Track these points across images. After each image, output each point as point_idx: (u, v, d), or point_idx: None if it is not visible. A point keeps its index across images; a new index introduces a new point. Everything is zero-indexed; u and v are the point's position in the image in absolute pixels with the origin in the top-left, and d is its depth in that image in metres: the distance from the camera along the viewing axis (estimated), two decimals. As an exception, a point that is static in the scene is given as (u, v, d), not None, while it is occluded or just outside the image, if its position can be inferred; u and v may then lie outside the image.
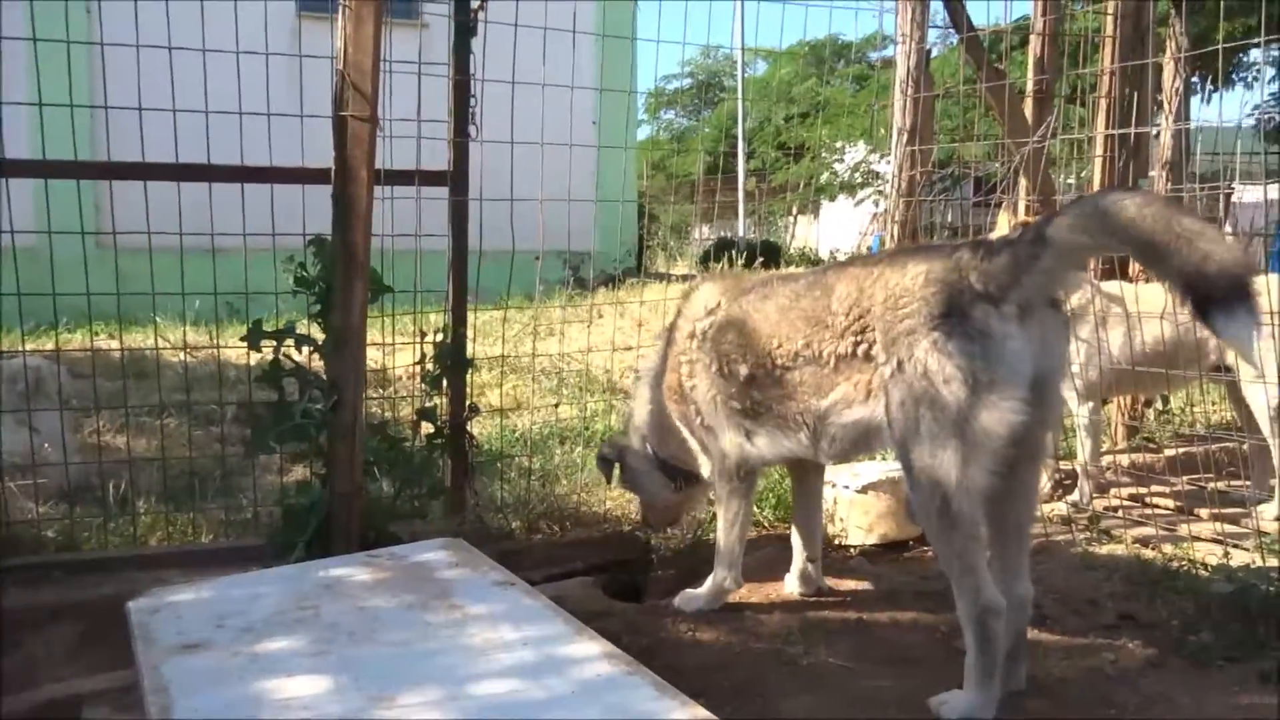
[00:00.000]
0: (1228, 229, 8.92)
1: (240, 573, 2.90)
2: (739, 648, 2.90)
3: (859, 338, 2.54)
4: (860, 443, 2.70)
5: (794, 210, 23.80)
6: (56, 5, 3.07)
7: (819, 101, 21.16)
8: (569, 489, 4.15)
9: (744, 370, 2.84)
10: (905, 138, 4.23)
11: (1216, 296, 2.06)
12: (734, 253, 11.52)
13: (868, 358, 2.52)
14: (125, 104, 3.09)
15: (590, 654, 2.21)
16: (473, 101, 3.31)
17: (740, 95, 20.38)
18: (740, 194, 18.60)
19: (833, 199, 21.91)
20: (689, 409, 3.09)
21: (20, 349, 3.71)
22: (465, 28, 3.26)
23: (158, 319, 5.09)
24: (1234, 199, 8.01)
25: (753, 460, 3.02)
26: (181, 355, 5.19)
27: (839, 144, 20.93)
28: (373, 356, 3.74)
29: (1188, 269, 2.09)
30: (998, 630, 2.39)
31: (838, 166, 21.68)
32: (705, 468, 3.22)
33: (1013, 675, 2.54)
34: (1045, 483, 4.35)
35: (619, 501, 4.10)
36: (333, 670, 2.14)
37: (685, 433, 3.19)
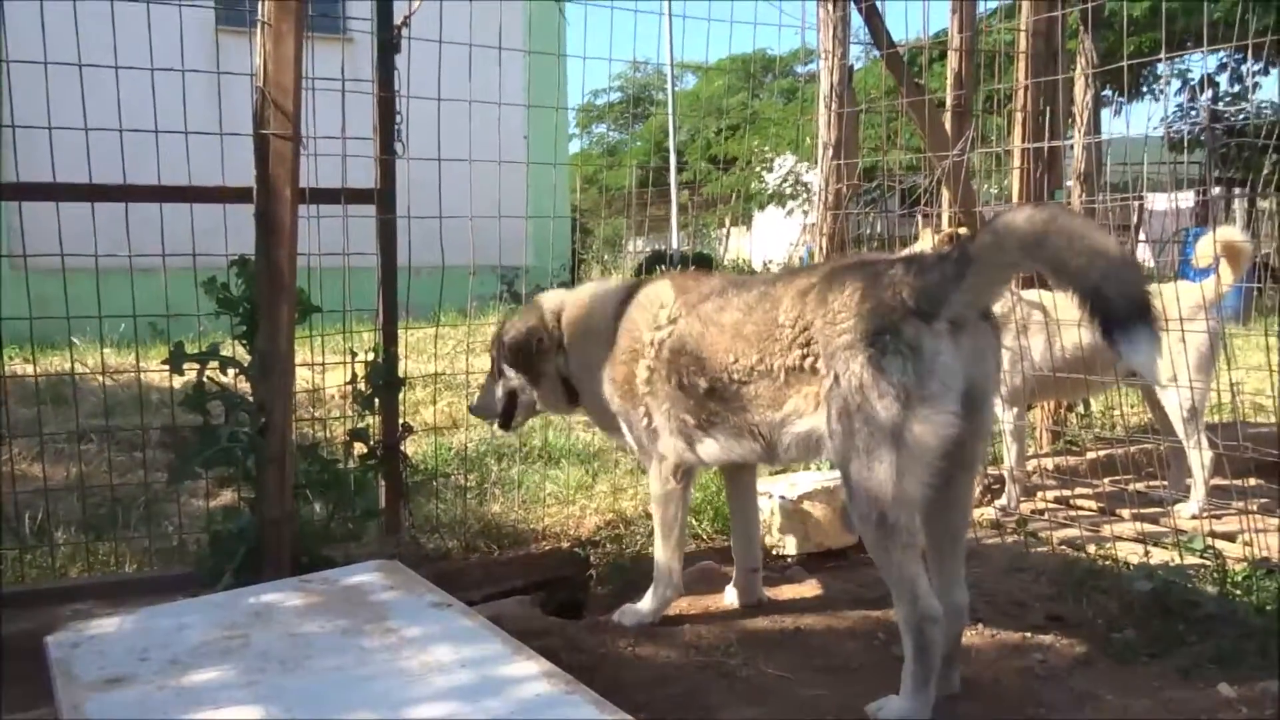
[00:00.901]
0: (1141, 236, 9.24)
1: (166, 602, 2.83)
2: (679, 661, 2.90)
3: (804, 350, 2.57)
4: (812, 450, 2.74)
5: (726, 222, 24.01)
6: None
7: (748, 114, 21.41)
8: (506, 507, 4.12)
9: (703, 384, 2.82)
10: (830, 151, 4.30)
11: (1117, 318, 2.13)
12: (668, 265, 11.56)
13: (813, 370, 2.55)
14: (36, 122, 3.00)
15: (529, 673, 2.20)
16: (398, 118, 3.28)
17: (671, 108, 20.51)
18: (673, 206, 18.70)
19: (762, 208, 22.15)
20: (636, 410, 3.04)
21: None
22: (388, 44, 3.23)
23: (76, 341, 4.95)
24: (1147, 207, 8.30)
25: (693, 464, 3.05)
26: (104, 380, 5.05)
27: (768, 154, 21.19)
28: (303, 376, 3.68)
29: (1088, 289, 2.16)
30: (935, 637, 2.43)
31: (767, 177, 21.93)
32: (626, 439, 3.22)
33: (947, 679, 2.59)
34: (975, 488, 4.44)
35: (557, 518, 4.09)
36: (264, 700, 2.09)
37: (620, 419, 3.15)
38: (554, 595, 3.65)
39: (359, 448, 3.43)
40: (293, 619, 2.54)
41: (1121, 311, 2.13)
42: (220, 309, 3.06)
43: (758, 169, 21.86)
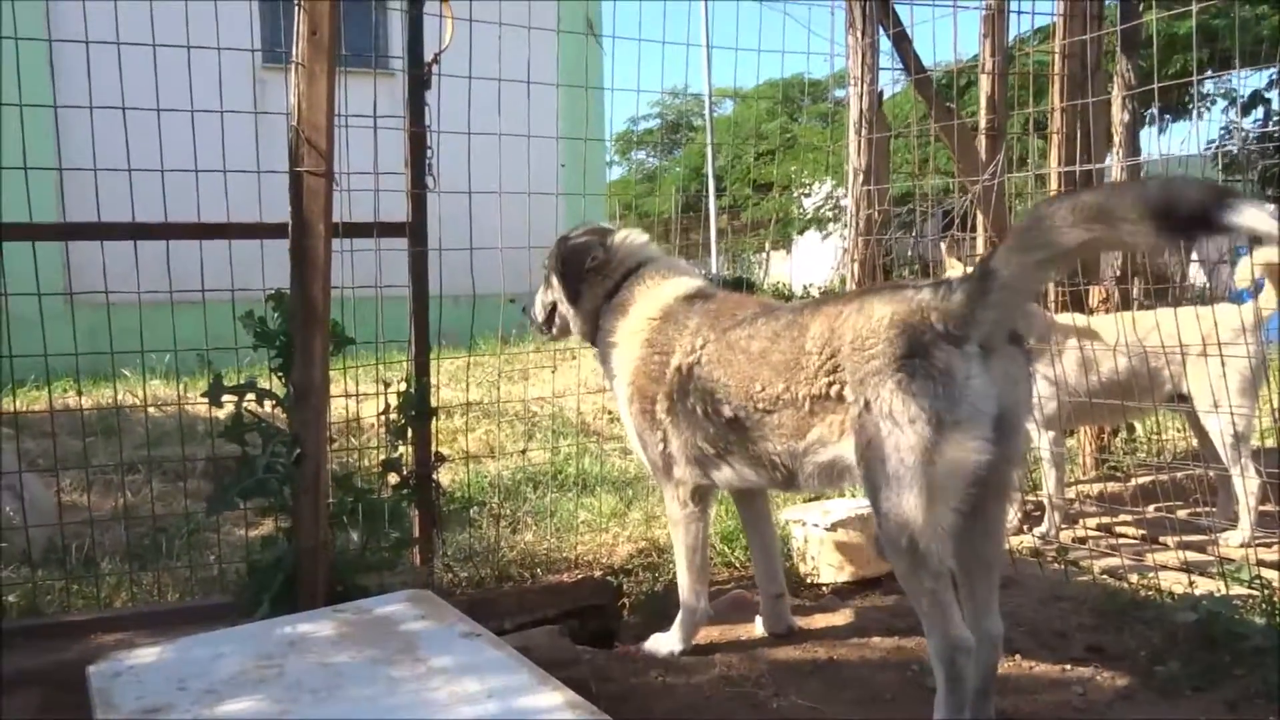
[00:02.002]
0: (1193, 256, 9.08)
1: (206, 631, 2.87)
2: (709, 692, 2.88)
3: (831, 378, 2.54)
4: (836, 479, 2.71)
5: (767, 246, 23.99)
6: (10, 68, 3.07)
7: (786, 139, 21.42)
8: (539, 535, 4.14)
9: (728, 412, 2.79)
10: (861, 178, 4.30)
11: (1209, 202, 1.97)
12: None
13: (839, 398, 2.53)
14: (86, 164, 3.09)
15: (553, 704, 2.20)
16: (429, 153, 3.34)
17: (709, 134, 20.60)
18: (712, 231, 18.73)
19: (801, 233, 22.10)
20: (655, 434, 3.01)
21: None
22: (419, 81, 3.29)
23: (127, 374, 5.06)
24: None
25: (709, 488, 3.05)
26: (151, 411, 5.17)
27: (806, 179, 21.17)
28: (341, 406, 3.73)
29: (1155, 206, 2.02)
30: (967, 667, 2.40)
31: (806, 202, 21.90)
32: (639, 453, 3.19)
33: (982, 711, 2.54)
34: (1014, 515, 4.38)
35: (590, 546, 4.09)
36: (295, 730, 2.12)
37: (634, 432, 3.12)
38: (586, 624, 3.66)
39: (392, 477, 3.46)
40: (325, 648, 2.56)
41: (1203, 196, 1.98)
42: (257, 342, 3.13)
43: (795, 194, 21.84)
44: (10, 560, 3.57)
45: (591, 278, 3.20)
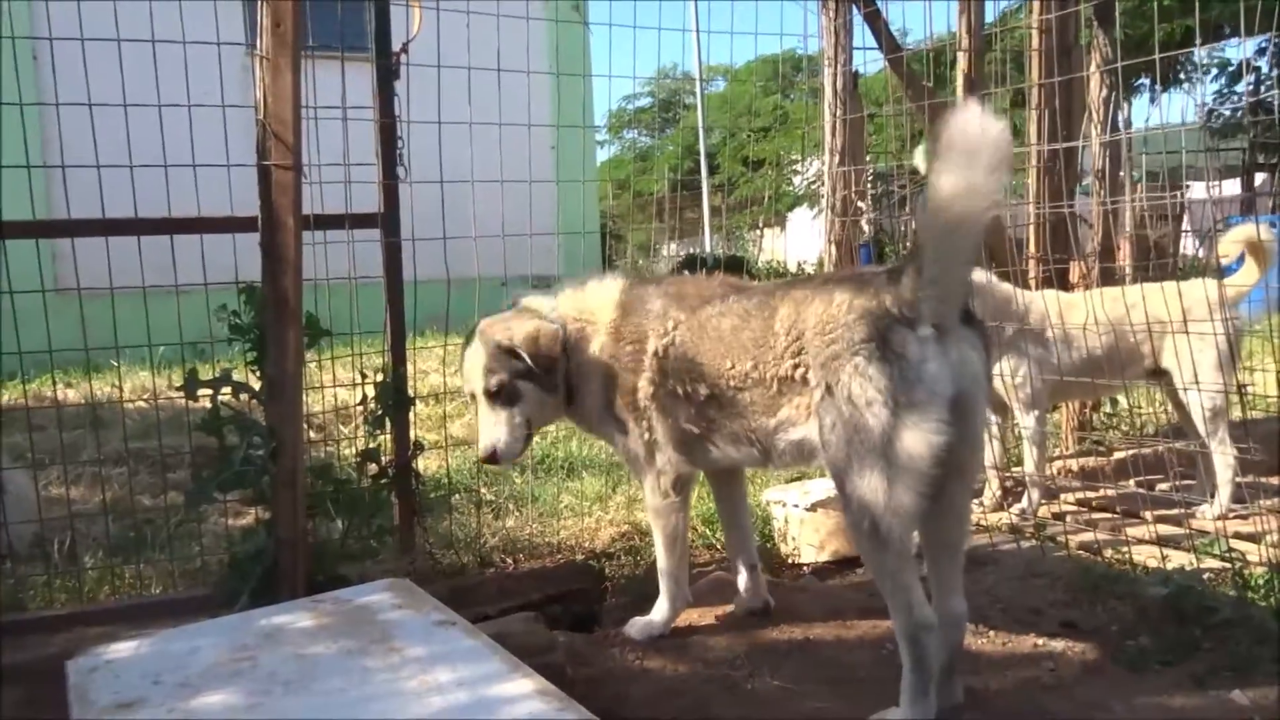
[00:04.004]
0: (1185, 226, 9.07)
1: (187, 624, 2.89)
2: (686, 674, 2.91)
3: (796, 360, 2.60)
4: (806, 457, 2.75)
5: (760, 223, 23.94)
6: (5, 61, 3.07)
7: (780, 115, 21.34)
8: (521, 520, 4.16)
9: (704, 391, 2.81)
10: (836, 158, 4.29)
11: None
12: (701, 268, 11.55)
13: (804, 380, 2.58)
14: (73, 160, 3.09)
15: (523, 692, 2.22)
16: (400, 143, 3.34)
17: (700, 113, 20.53)
18: (705, 209, 18.70)
19: (789, 210, 22.05)
20: (639, 423, 3.00)
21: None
22: (387, 71, 3.29)
23: (115, 365, 5.06)
24: (1186, 196, 8.16)
25: (690, 474, 3.08)
26: (139, 403, 5.18)
27: (794, 156, 21.11)
28: (319, 399, 3.75)
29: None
30: (931, 646, 2.44)
31: (796, 179, 21.85)
32: (622, 449, 3.13)
33: (949, 690, 2.57)
34: (994, 492, 4.40)
35: (573, 531, 4.12)
36: (266, 722, 2.14)
37: (615, 430, 3.09)
38: (569, 609, 3.68)
39: (372, 467, 3.48)
40: (301, 640, 2.59)
41: None
42: (231, 335, 3.13)
43: (786, 171, 21.79)
44: (-5, 556, 3.59)
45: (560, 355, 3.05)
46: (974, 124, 2.20)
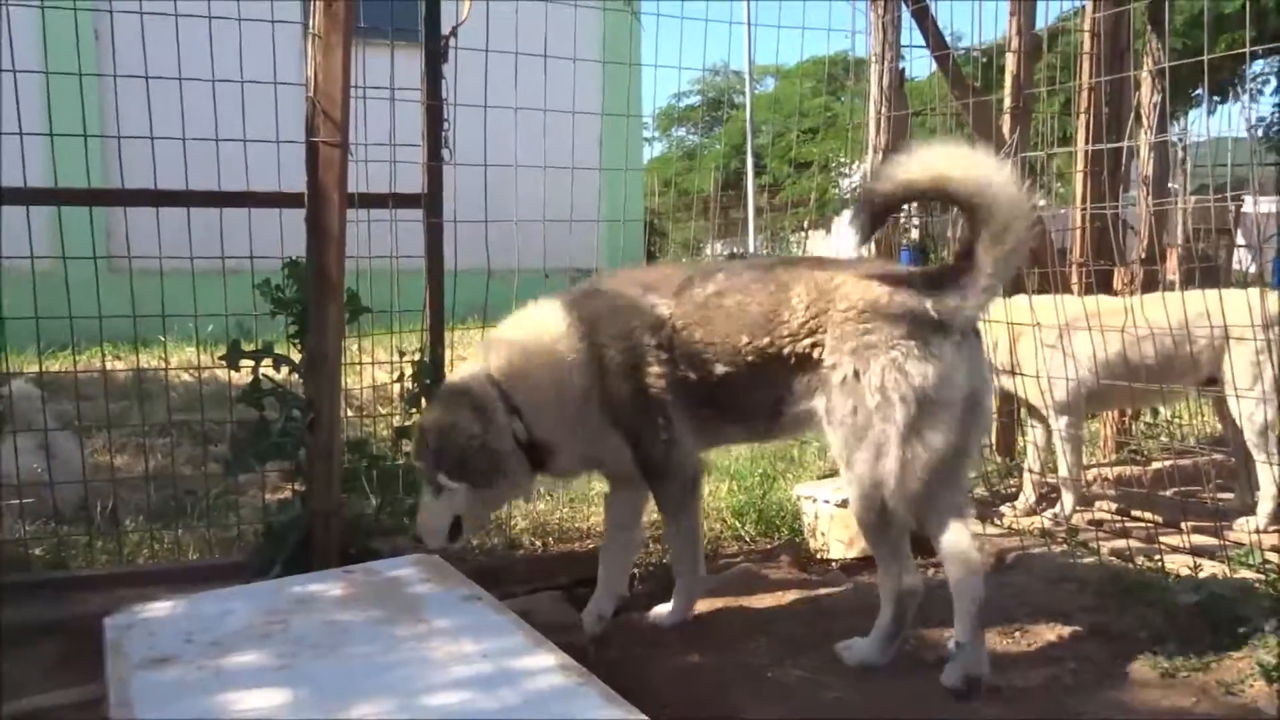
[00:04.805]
0: (1239, 239, 8.91)
1: (220, 588, 2.96)
2: (707, 660, 2.93)
3: (812, 338, 2.69)
4: (802, 429, 2.98)
5: (805, 225, 23.82)
6: (67, 35, 3.15)
7: (830, 117, 21.21)
8: (553, 505, 4.19)
9: (721, 369, 2.80)
10: (880, 155, 4.28)
11: None
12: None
13: (814, 357, 2.69)
14: (130, 131, 3.17)
15: (545, 665, 2.25)
16: (445, 125, 3.39)
17: (749, 113, 20.45)
18: (749, 209, 18.64)
19: (837, 213, 21.92)
20: (654, 422, 2.87)
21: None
22: (435, 54, 3.34)
23: (164, 339, 5.17)
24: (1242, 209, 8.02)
25: (700, 471, 3.10)
26: (184, 376, 5.30)
27: (842, 159, 20.97)
28: (355, 377, 3.81)
29: None
30: (911, 608, 2.78)
31: (844, 182, 21.70)
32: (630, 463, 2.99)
33: (977, 659, 2.67)
34: (1029, 496, 4.36)
35: (603, 517, 4.13)
36: (294, 683, 2.18)
37: (624, 442, 2.94)
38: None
39: (406, 444, 3.53)
40: (331, 607, 2.64)
41: None
42: (274, 309, 3.20)
43: (832, 173, 21.67)
44: (38, 515, 3.69)
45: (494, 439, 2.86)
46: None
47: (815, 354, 2.68)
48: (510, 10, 3.69)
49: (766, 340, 2.73)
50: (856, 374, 2.58)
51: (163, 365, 3.90)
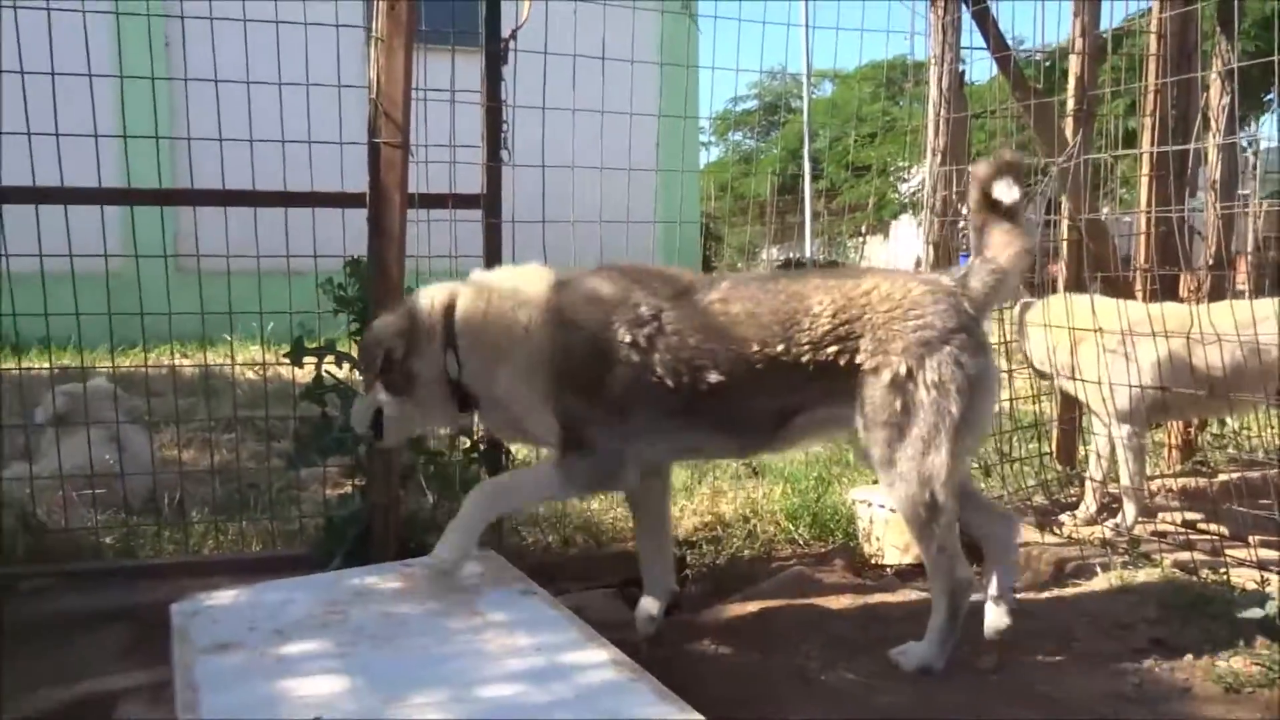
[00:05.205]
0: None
1: (284, 578, 3.03)
2: (759, 662, 2.93)
3: (839, 345, 2.70)
4: (800, 441, 3.04)
5: (863, 230, 23.63)
6: (139, 40, 3.26)
7: (888, 121, 21.03)
8: (607, 504, 4.22)
9: (714, 377, 2.71)
10: (938, 158, 4.24)
11: None
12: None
13: (840, 364, 2.69)
14: (200, 133, 3.28)
15: (598, 660, 2.28)
16: (504, 127, 3.43)
17: (806, 117, 20.36)
18: (807, 214, 18.54)
19: (894, 217, 21.70)
20: (598, 412, 2.76)
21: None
22: (495, 56, 3.38)
23: (231, 338, 5.32)
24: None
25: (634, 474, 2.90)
26: (249, 374, 5.43)
27: (903, 163, 20.77)
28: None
29: None
30: (965, 602, 2.77)
31: (902, 186, 21.49)
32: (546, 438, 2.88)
33: (1007, 594, 2.90)
34: (1091, 505, 4.28)
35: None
36: (352, 671, 2.24)
37: (548, 422, 2.81)
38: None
39: (463, 442, 3.58)
40: (389, 599, 2.69)
41: None
42: (336, 307, 3.27)
43: (891, 178, 21.47)
44: (109, 505, 3.81)
45: (417, 358, 2.83)
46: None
47: (842, 360, 2.68)
48: (569, 12, 3.74)
49: (782, 348, 2.69)
50: (909, 371, 2.61)
51: (228, 362, 3.99)
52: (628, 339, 2.72)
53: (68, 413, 3.96)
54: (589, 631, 2.44)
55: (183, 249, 3.86)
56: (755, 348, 2.72)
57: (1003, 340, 4.34)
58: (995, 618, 2.90)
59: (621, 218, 4.01)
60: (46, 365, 4.17)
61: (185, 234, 3.36)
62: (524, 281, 2.87)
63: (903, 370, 2.62)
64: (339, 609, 2.62)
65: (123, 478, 3.62)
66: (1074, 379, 4.11)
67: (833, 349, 2.69)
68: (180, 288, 3.34)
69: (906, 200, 21.34)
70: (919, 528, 2.72)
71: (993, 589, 2.91)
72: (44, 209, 3.16)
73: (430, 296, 2.86)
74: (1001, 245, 2.74)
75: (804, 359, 2.70)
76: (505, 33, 3.39)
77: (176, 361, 4.09)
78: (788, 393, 2.75)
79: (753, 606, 3.29)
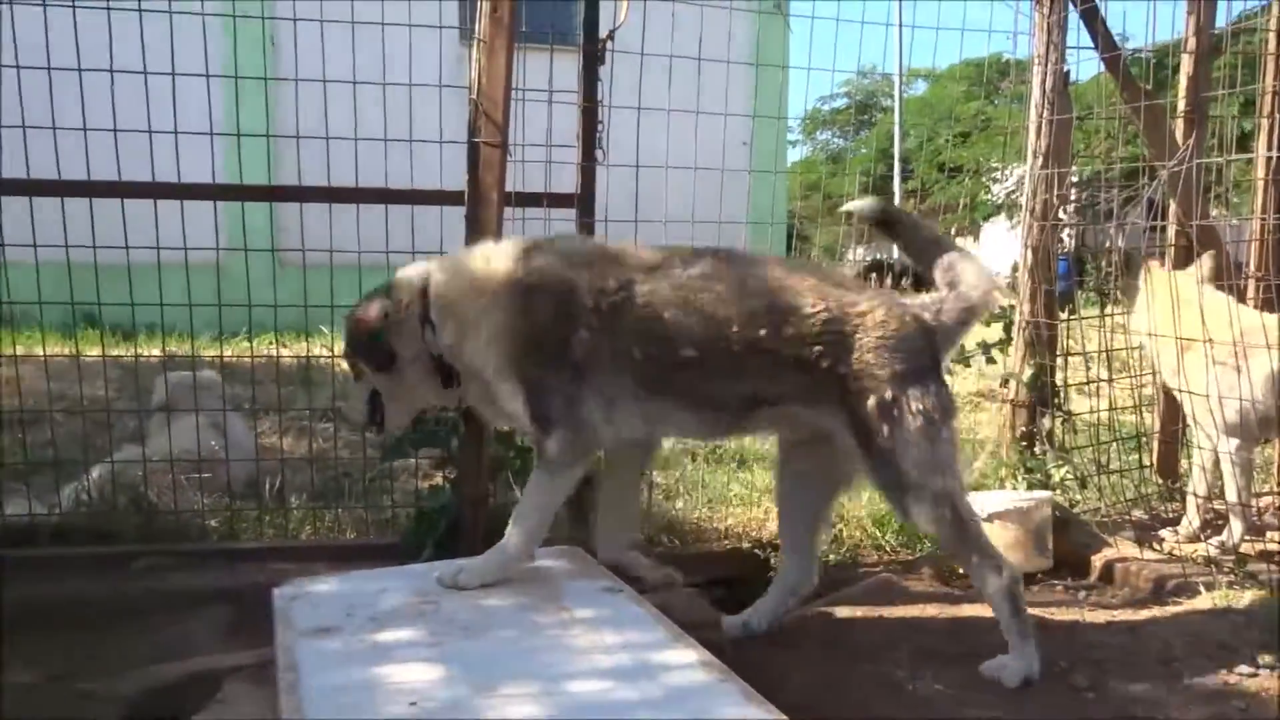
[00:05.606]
0: None
1: (375, 567, 3.12)
2: (846, 669, 2.90)
3: (823, 348, 2.70)
4: (772, 429, 3.08)
5: (954, 231, 23.16)
6: (245, 45, 3.39)
7: (983, 121, 20.58)
8: (691, 505, 4.23)
9: (687, 353, 2.70)
10: (1040, 160, 4.13)
11: None
12: (887, 273, 11.33)
13: (823, 367, 2.69)
14: (306, 131, 3.39)
15: (686, 661, 2.28)
16: (600, 127, 3.46)
17: (898, 116, 20.09)
18: (895, 215, 18.22)
19: (986, 219, 21.22)
20: (559, 377, 2.73)
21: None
22: (593, 57, 3.41)
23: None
24: None
25: (603, 443, 2.90)
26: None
27: (996, 164, 20.30)
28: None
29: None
30: (1021, 594, 2.75)
31: (995, 188, 21.00)
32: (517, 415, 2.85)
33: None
34: (1193, 522, 4.12)
35: (740, 519, 4.15)
36: (444, 660, 2.29)
37: (515, 390, 2.79)
38: (733, 594, 3.71)
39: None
40: (479, 592, 2.74)
41: None
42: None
43: (984, 179, 20.99)
44: (214, 489, 3.96)
45: (400, 337, 2.85)
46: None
47: (825, 364, 2.69)
48: (665, 13, 3.76)
49: (763, 333, 2.68)
50: (895, 400, 2.67)
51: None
52: (589, 304, 2.71)
53: (176, 399, 4.13)
54: (676, 631, 2.45)
55: (286, 244, 3.98)
56: (735, 327, 2.70)
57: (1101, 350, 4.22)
58: (728, 626, 3.06)
59: (712, 218, 4.01)
60: (158, 353, 4.34)
61: (289, 229, 3.46)
62: (494, 252, 2.86)
63: (886, 395, 2.67)
64: (431, 599, 2.68)
65: (228, 463, 3.75)
66: (1180, 391, 3.97)
67: (815, 349, 2.70)
68: (284, 281, 3.45)
69: (1000, 202, 20.83)
70: (954, 540, 2.76)
71: (759, 604, 3.11)
72: (161, 204, 3.31)
73: (407, 276, 2.91)
74: (975, 284, 2.84)
75: (784, 351, 2.70)
76: (603, 33, 3.42)
77: (278, 352, 4.23)
78: (759, 380, 2.75)
79: (839, 612, 3.27)
